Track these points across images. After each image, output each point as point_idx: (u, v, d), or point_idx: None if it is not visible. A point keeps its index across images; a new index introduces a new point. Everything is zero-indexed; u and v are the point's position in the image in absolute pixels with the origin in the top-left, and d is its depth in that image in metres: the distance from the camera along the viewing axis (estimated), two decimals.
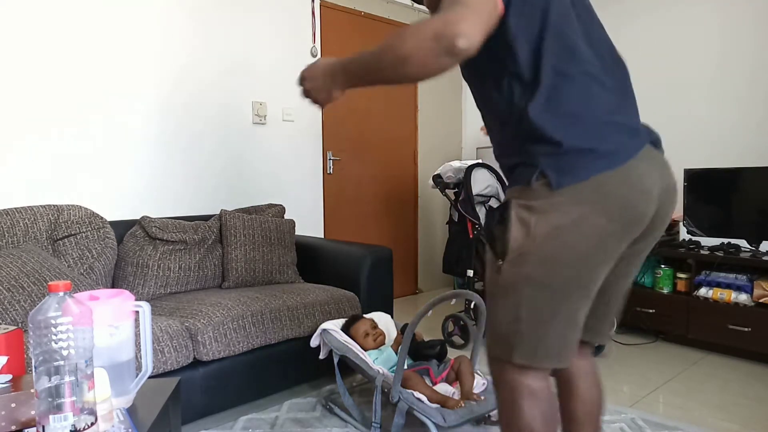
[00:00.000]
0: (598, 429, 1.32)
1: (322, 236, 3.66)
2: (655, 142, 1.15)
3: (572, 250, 1.03)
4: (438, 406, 1.84)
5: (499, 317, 1.10)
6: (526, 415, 1.08)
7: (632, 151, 1.04)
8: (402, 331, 2.28)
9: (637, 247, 1.16)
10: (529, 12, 1.05)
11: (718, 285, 2.93)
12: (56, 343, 0.85)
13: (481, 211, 3.20)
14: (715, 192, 3.12)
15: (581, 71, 1.05)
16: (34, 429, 0.95)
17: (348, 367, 2.12)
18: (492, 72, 1.11)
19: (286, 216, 3.32)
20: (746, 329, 2.78)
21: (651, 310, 3.15)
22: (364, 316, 2.31)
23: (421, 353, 2.13)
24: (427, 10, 1.32)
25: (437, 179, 3.13)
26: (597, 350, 2.76)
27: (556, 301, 1.05)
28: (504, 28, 1.04)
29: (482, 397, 1.90)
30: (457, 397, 1.94)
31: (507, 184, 1.14)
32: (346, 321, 2.27)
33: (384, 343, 2.20)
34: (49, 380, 0.86)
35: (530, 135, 1.05)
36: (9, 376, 1.09)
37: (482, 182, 3.10)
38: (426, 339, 2.25)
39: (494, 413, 2.09)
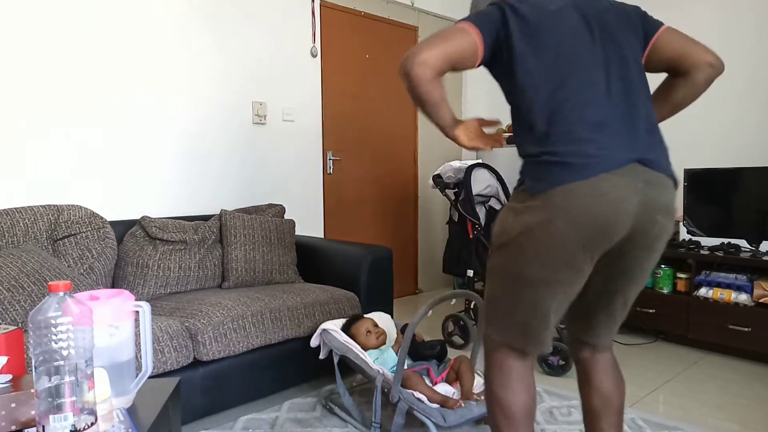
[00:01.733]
0: (619, 421, 1.39)
1: (322, 236, 3.66)
2: (652, 162, 1.20)
3: (537, 247, 1.18)
4: (438, 406, 1.84)
5: (486, 296, 1.32)
6: (496, 384, 1.28)
7: (607, 167, 1.14)
8: (402, 331, 2.29)
9: (625, 261, 1.25)
10: (521, 50, 1.23)
11: (718, 285, 2.93)
12: (56, 343, 0.85)
13: (481, 211, 3.20)
14: (715, 192, 3.12)
15: (570, 97, 1.19)
16: (34, 429, 0.95)
17: (348, 367, 2.12)
18: (507, 96, 1.32)
19: (286, 216, 3.32)
20: (746, 329, 2.78)
21: (651, 310, 3.16)
22: (365, 315, 2.31)
23: (421, 353, 2.13)
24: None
25: (437, 179, 3.13)
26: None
27: (520, 289, 1.22)
28: (500, 64, 1.27)
29: (482, 397, 1.90)
30: (457, 397, 1.94)
31: None
32: (347, 321, 2.27)
33: (385, 342, 2.20)
34: (49, 380, 0.86)
35: (522, 150, 1.25)
36: (9, 376, 1.09)
37: (482, 182, 3.10)
38: (426, 339, 2.25)
39: None
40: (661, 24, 1.35)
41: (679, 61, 1.33)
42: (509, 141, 1.43)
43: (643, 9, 1.39)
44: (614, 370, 1.42)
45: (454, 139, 1.34)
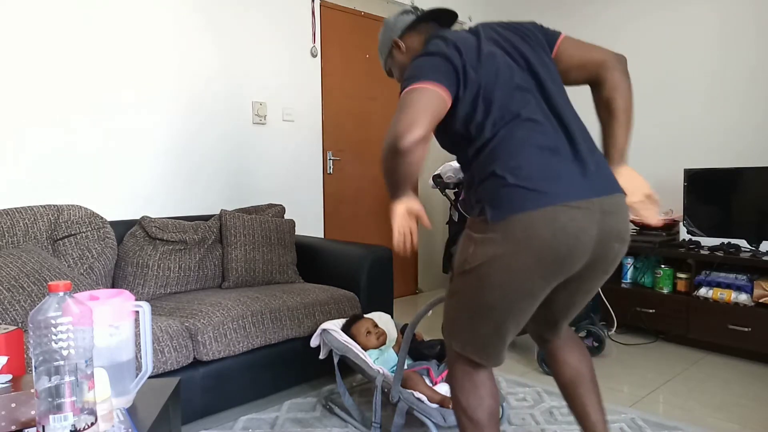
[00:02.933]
0: (595, 387, 1.49)
1: (322, 236, 3.66)
2: (605, 187, 1.23)
3: (498, 278, 1.21)
4: (438, 405, 1.84)
5: (446, 313, 1.39)
6: (459, 391, 1.35)
7: (563, 198, 1.16)
8: (402, 331, 2.29)
9: (582, 283, 1.31)
10: (470, 90, 1.26)
11: (718, 285, 2.93)
12: (56, 343, 0.85)
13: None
14: (715, 192, 3.12)
15: (519, 123, 1.22)
16: (34, 429, 0.95)
17: (348, 367, 2.12)
18: (449, 133, 1.34)
19: (286, 216, 3.32)
20: (746, 329, 2.78)
21: (651, 310, 3.16)
22: (365, 316, 2.31)
23: (421, 353, 2.13)
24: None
25: (437, 179, 3.13)
26: (596, 349, 2.74)
27: (480, 312, 1.27)
28: (455, 107, 1.28)
29: None
30: None
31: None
32: (347, 321, 2.27)
33: (385, 343, 2.20)
34: (49, 380, 0.86)
35: (478, 179, 1.26)
36: (9, 376, 1.09)
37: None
38: (426, 339, 2.25)
39: None
40: (559, 34, 1.42)
41: (586, 69, 1.40)
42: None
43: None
44: (573, 342, 1.53)
45: (394, 207, 1.38)
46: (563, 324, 1.47)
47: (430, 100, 1.23)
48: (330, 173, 3.75)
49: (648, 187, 1.37)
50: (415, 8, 1.55)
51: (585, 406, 1.47)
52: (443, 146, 1.42)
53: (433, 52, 1.30)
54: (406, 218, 1.38)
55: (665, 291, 3.15)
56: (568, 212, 1.16)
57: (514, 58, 1.30)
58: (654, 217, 1.37)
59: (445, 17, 1.53)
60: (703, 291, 2.97)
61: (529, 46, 1.34)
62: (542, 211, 1.15)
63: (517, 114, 1.24)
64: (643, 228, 3.29)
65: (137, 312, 1.15)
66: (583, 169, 1.22)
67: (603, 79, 1.38)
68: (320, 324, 2.26)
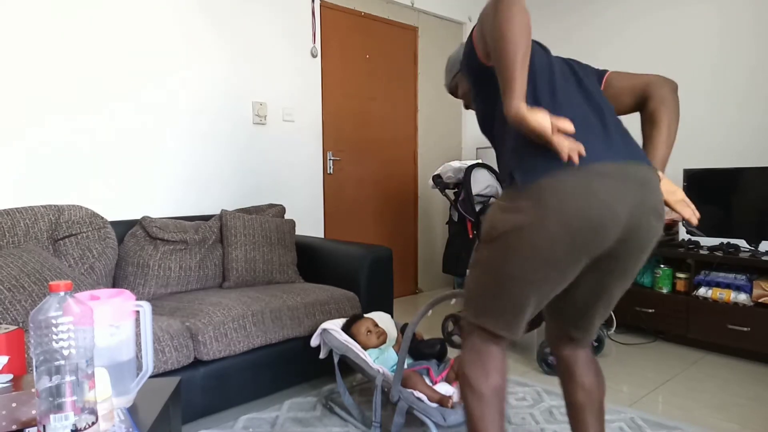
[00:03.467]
0: (601, 414, 1.45)
1: (322, 236, 3.66)
2: (642, 157, 1.22)
3: (525, 247, 1.16)
4: (438, 405, 1.85)
5: (467, 283, 1.35)
6: (467, 364, 1.32)
7: (594, 158, 1.13)
8: (402, 331, 2.29)
9: (615, 263, 1.24)
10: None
11: (718, 285, 2.94)
12: (57, 342, 0.86)
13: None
14: (715, 192, 3.12)
15: (555, 105, 1.21)
16: (35, 428, 0.95)
17: (348, 366, 2.13)
18: (488, 101, 1.34)
19: (286, 216, 3.32)
20: (745, 329, 2.78)
21: (650, 310, 3.16)
22: (365, 315, 2.31)
23: (421, 353, 2.13)
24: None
25: (437, 179, 3.13)
26: (596, 349, 2.76)
27: (502, 281, 1.23)
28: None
29: None
30: (457, 396, 1.94)
31: None
32: (347, 320, 2.27)
33: (386, 342, 2.20)
34: (50, 380, 0.86)
35: (510, 146, 1.25)
36: (10, 376, 1.09)
37: (482, 182, 3.11)
38: (426, 338, 2.26)
39: None
40: (606, 71, 1.49)
41: (635, 90, 1.43)
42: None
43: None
44: (594, 365, 1.47)
45: (522, 114, 1.09)
46: (590, 323, 1.39)
47: None
48: (330, 173, 3.75)
49: (683, 193, 1.38)
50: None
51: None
52: (479, 115, 1.42)
53: None
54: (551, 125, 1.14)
55: (665, 291, 3.15)
56: (603, 181, 1.12)
57: (564, 69, 1.34)
58: (694, 215, 1.36)
59: None
60: (702, 291, 2.97)
61: (581, 69, 1.38)
62: (574, 175, 1.12)
63: (554, 92, 1.24)
64: None
65: (138, 312, 1.16)
66: (610, 138, 1.20)
67: (650, 94, 1.40)
68: (320, 324, 2.26)
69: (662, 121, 1.38)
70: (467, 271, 1.39)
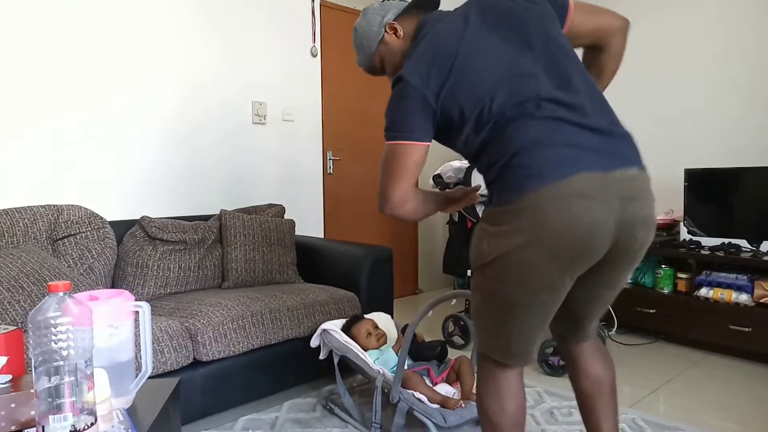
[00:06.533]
0: (613, 401, 1.42)
1: (322, 236, 3.66)
2: (624, 163, 1.14)
3: (514, 272, 1.15)
4: (438, 406, 1.84)
5: (472, 310, 1.33)
6: (483, 393, 1.30)
7: (574, 170, 1.09)
8: (402, 331, 2.28)
9: (606, 274, 1.23)
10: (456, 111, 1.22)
11: (719, 285, 2.93)
12: (56, 343, 0.85)
13: (482, 211, 3.19)
14: (716, 192, 3.12)
15: (521, 113, 1.15)
16: (34, 429, 0.94)
17: (348, 367, 2.12)
18: (461, 147, 1.32)
19: (286, 216, 3.31)
20: (747, 329, 2.78)
21: (651, 311, 3.15)
22: (365, 316, 2.31)
23: (421, 354, 2.13)
24: None
25: (437, 179, 3.13)
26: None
27: (501, 310, 1.21)
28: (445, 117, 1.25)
29: None
30: (457, 397, 1.93)
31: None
32: (347, 321, 2.26)
33: (386, 343, 2.19)
34: (49, 380, 0.85)
35: (486, 170, 1.24)
36: (9, 377, 1.09)
37: (482, 182, 3.10)
38: (426, 339, 2.25)
39: None
40: (568, 2, 1.32)
41: (596, 35, 1.35)
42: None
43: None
44: (600, 353, 1.43)
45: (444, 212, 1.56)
46: (587, 324, 1.38)
47: (408, 158, 1.26)
48: (330, 173, 3.74)
49: None
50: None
51: (600, 420, 1.41)
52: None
53: (407, 92, 1.23)
54: (451, 206, 1.53)
55: (666, 291, 3.15)
56: (581, 201, 1.08)
57: (512, 38, 1.22)
58: None
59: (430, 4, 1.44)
60: (703, 291, 2.97)
61: (538, 18, 1.25)
62: (552, 200, 1.08)
63: (520, 102, 1.16)
64: None
65: (137, 312, 1.15)
66: (592, 139, 1.13)
67: (607, 45, 1.35)
68: (320, 324, 2.25)
69: (609, 73, 1.39)
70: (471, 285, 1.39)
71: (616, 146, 1.16)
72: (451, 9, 1.36)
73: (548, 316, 1.22)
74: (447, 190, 1.45)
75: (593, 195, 1.09)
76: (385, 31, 1.40)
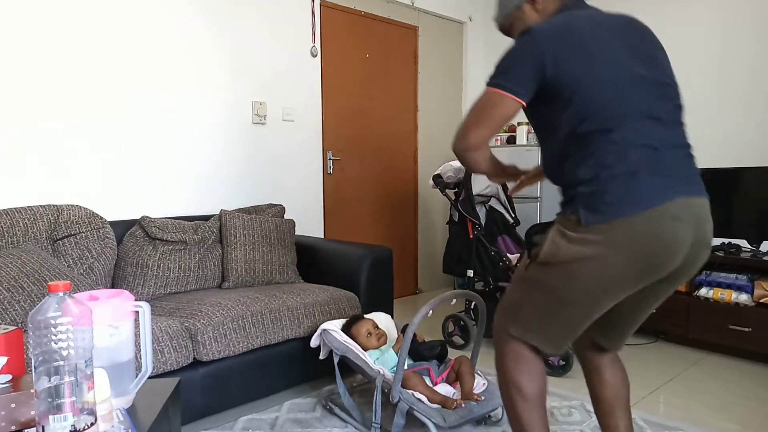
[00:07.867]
0: (629, 409, 1.53)
1: (322, 236, 3.66)
2: (700, 191, 1.28)
3: (585, 278, 1.22)
4: (438, 406, 1.84)
5: (512, 298, 1.39)
6: (512, 370, 1.35)
7: (670, 196, 1.18)
8: (402, 331, 2.28)
9: (663, 286, 1.33)
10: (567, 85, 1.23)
11: (719, 285, 2.93)
12: (56, 343, 0.85)
13: (482, 212, 3.20)
14: (716, 192, 3.09)
15: (628, 124, 1.21)
16: (34, 429, 0.94)
17: (348, 367, 2.12)
18: (547, 125, 1.33)
19: (286, 216, 3.31)
20: (747, 329, 2.78)
21: (651, 311, 3.15)
22: (365, 316, 2.31)
23: (421, 354, 2.13)
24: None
25: (437, 179, 3.13)
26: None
27: (558, 306, 1.28)
28: (551, 99, 1.26)
29: (482, 398, 1.90)
30: (457, 397, 1.93)
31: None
32: (347, 321, 2.26)
33: (386, 343, 2.19)
34: (49, 380, 0.85)
35: (572, 179, 1.26)
36: (9, 377, 1.09)
37: (482, 182, 3.10)
38: (426, 339, 2.25)
39: (495, 413, 2.09)
40: None
41: None
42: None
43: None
44: (619, 363, 1.54)
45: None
46: (628, 331, 1.47)
47: (498, 108, 1.26)
48: (330, 173, 3.74)
49: None
50: None
51: (618, 421, 1.50)
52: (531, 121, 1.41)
53: (530, 45, 1.25)
54: (499, 177, 1.49)
55: None
56: (673, 224, 1.18)
57: (632, 49, 1.30)
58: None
59: None
60: (703, 291, 2.97)
61: (648, 41, 1.38)
62: (648, 218, 1.17)
63: (629, 113, 1.22)
64: None
65: (137, 312, 1.15)
66: (685, 167, 1.25)
67: None
68: (320, 324, 2.25)
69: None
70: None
71: (693, 172, 1.29)
72: None
73: (597, 317, 1.30)
74: (503, 164, 1.46)
75: (681, 217, 1.20)
76: (527, 0, 1.43)
